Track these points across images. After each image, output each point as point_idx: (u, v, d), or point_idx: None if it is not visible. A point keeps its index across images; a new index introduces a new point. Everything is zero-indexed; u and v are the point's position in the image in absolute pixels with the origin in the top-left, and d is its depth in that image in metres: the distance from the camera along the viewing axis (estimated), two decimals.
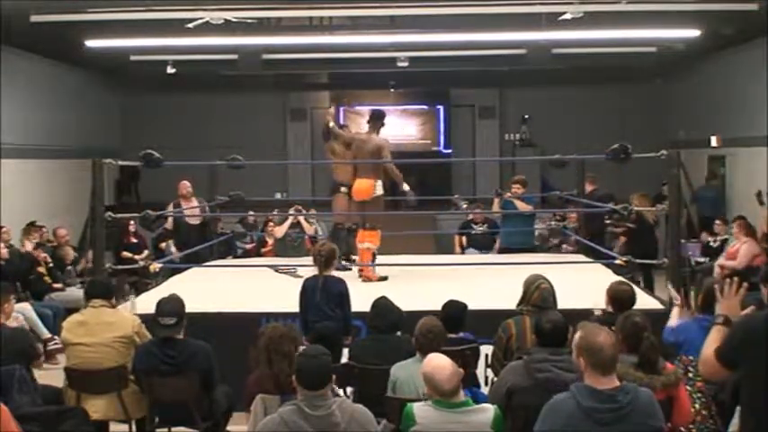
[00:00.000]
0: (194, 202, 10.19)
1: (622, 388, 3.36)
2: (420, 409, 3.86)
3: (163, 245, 11.63)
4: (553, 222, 11.96)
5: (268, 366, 4.47)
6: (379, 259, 8.23)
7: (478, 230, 11.35)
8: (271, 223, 11.04)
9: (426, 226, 13.44)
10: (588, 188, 10.35)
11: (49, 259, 9.90)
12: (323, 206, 12.24)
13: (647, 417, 3.35)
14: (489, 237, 11.32)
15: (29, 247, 9.84)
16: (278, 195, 16.44)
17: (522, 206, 9.63)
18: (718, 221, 11.38)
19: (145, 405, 5.24)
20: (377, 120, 8.21)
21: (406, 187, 8.25)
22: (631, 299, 5.26)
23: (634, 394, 3.36)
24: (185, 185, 10.27)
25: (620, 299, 5.23)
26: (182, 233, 10.49)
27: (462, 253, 11.41)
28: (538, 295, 5.19)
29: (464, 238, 11.64)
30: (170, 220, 10.43)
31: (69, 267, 10.10)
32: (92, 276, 6.89)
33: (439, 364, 3.90)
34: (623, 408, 3.30)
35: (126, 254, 11.50)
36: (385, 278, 7.96)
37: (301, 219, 10.58)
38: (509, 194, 9.81)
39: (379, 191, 8.07)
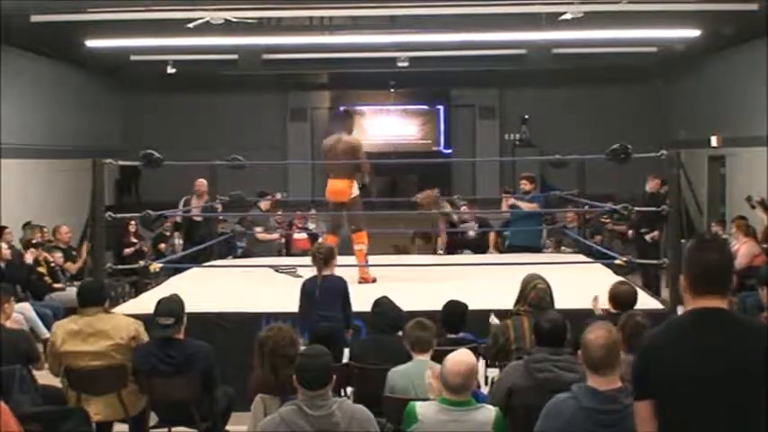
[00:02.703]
0: (203, 201, 10.19)
1: (623, 389, 3.32)
2: (423, 407, 3.85)
3: (162, 246, 11.64)
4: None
5: (272, 371, 4.34)
6: (378, 259, 8.19)
7: (472, 234, 11.27)
8: (257, 228, 11.06)
9: (426, 226, 13.40)
10: (655, 187, 10.34)
11: (51, 258, 9.89)
12: (323, 206, 12.19)
13: None
14: (483, 238, 11.30)
15: (29, 258, 9.75)
16: (278, 195, 16.41)
17: (527, 206, 9.62)
18: (714, 223, 11.38)
19: (143, 402, 5.21)
20: (347, 119, 8.08)
21: (366, 178, 8.21)
22: (633, 298, 5.26)
23: None
24: (201, 183, 10.26)
25: (621, 298, 5.24)
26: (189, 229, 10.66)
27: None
28: (534, 295, 5.20)
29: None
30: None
31: (57, 269, 10.04)
32: (90, 277, 6.87)
33: (456, 357, 3.87)
34: (624, 409, 3.25)
35: (128, 250, 11.52)
36: (374, 280, 7.78)
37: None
38: (512, 200, 9.81)
39: (356, 191, 7.84)
